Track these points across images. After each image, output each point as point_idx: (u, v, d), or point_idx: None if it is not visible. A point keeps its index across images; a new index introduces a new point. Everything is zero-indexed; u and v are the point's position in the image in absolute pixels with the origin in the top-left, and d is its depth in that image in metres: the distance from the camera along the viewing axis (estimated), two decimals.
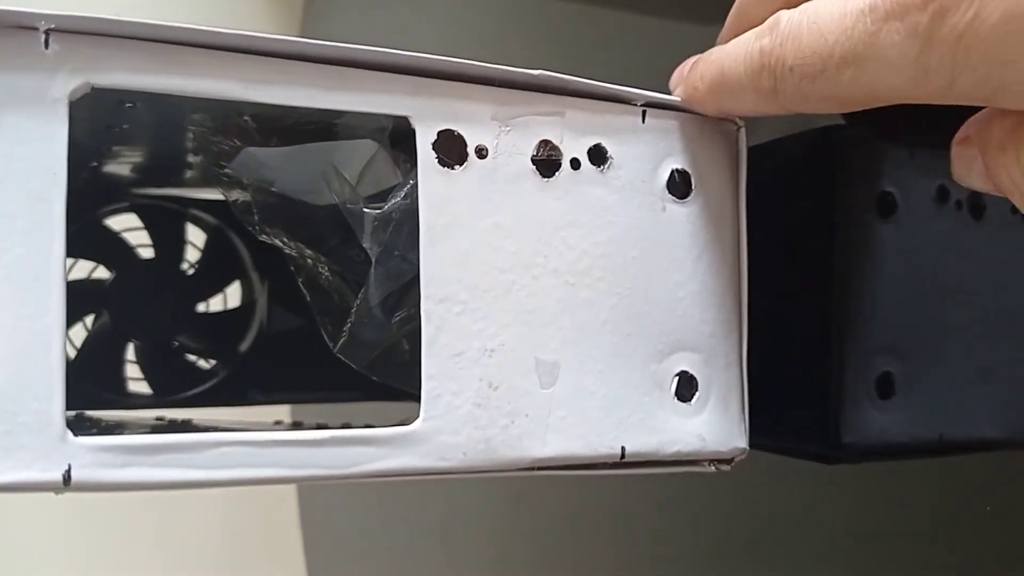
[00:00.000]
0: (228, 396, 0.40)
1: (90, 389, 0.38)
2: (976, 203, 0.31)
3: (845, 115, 0.30)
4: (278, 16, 1.01)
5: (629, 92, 0.26)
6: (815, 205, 0.29)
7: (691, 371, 0.26)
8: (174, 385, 0.39)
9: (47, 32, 0.20)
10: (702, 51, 0.27)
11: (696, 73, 0.26)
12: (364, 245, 0.24)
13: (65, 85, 0.20)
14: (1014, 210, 0.32)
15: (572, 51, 0.56)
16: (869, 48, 0.20)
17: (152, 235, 0.40)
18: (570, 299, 0.25)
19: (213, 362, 0.40)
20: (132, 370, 0.39)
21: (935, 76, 0.20)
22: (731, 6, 0.27)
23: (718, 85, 0.25)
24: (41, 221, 0.20)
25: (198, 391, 0.40)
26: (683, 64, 0.27)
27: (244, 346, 0.41)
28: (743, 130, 0.27)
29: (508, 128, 0.25)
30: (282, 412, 0.63)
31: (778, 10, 0.23)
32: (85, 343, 0.38)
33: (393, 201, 0.25)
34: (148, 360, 0.39)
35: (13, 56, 0.20)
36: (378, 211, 0.24)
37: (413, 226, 0.24)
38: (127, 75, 0.21)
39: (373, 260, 0.24)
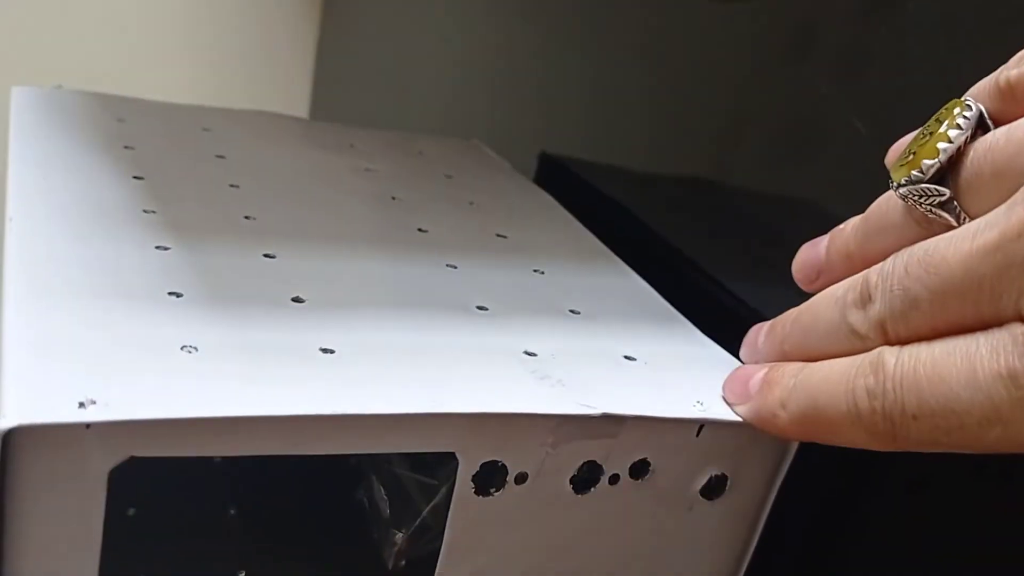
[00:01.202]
0: None
1: None
2: None
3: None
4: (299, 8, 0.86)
5: (688, 416, 0.25)
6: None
7: None
8: None
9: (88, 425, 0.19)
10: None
11: (774, 399, 0.24)
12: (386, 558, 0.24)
13: (105, 463, 0.19)
14: None
15: (591, 37, 0.49)
16: (1018, 411, 0.20)
17: None
18: None
19: None
20: None
21: None
22: None
23: (811, 419, 0.24)
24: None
25: None
26: (735, 374, 0.26)
27: None
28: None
29: (555, 452, 0.24)
30: None
31: (865, 273, 0.23)
32: None
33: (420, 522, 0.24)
34: None
35: (55, 445, 0.19)
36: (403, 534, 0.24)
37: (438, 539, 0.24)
38: (170, 447, 0.20)
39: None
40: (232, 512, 0.29)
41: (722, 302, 0.35)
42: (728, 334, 0.33)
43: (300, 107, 0.91)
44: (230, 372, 0.21)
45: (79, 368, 0.20)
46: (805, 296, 0.29)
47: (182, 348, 0.22)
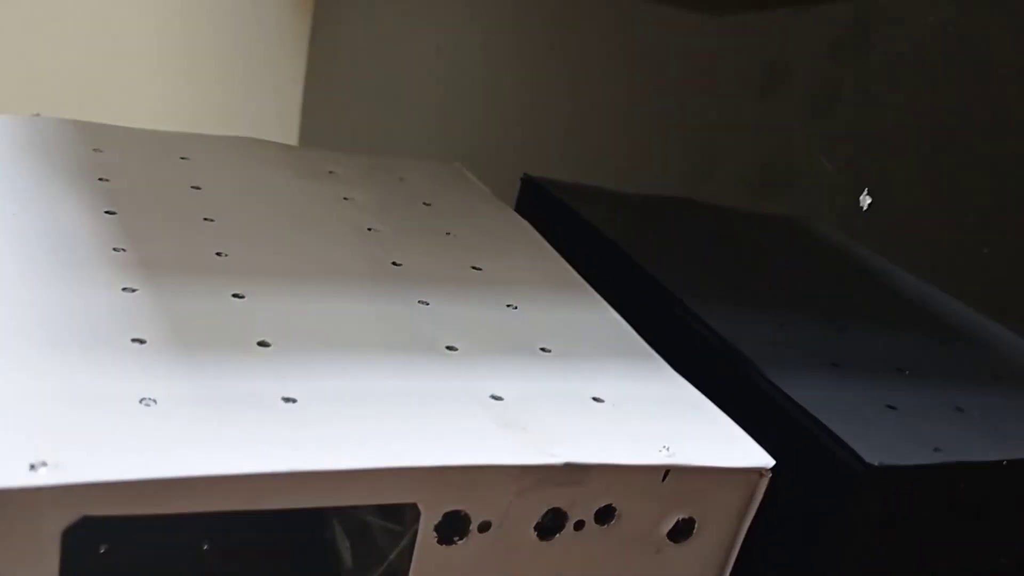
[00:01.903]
0: None
1: None
2: None
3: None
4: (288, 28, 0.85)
5: (653, 463, 0.24)
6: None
7: None
8: None
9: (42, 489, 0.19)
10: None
11: None
12: None
13: (57, 524, 0.19)
14: None
15: (577, 39, 0.49)
16: None
17: None
18: None
19: None
20: None
21: None
22: None
23: None
24: None
25: None
26: None
27: None
28: (766, 479, 0.26)
29: (518, 500, 0.24)
30: None
31: None
32: None
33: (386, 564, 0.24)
34: None
35: (7, 506, 0.19)
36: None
37: None
38: (124, 507, 0.20)
39: None
40: (205, 547, 0.29)
41: (695, 331, 0.35)
42: (699, 363, 0.33)
43: (291, 127, 0.91)
44: (188, 428, 0.21)
45: (31, 427, 0.20)
46: (780, 328, 0.29)
47: (140, 401, 0.22)
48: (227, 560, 0.28)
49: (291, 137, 0.91)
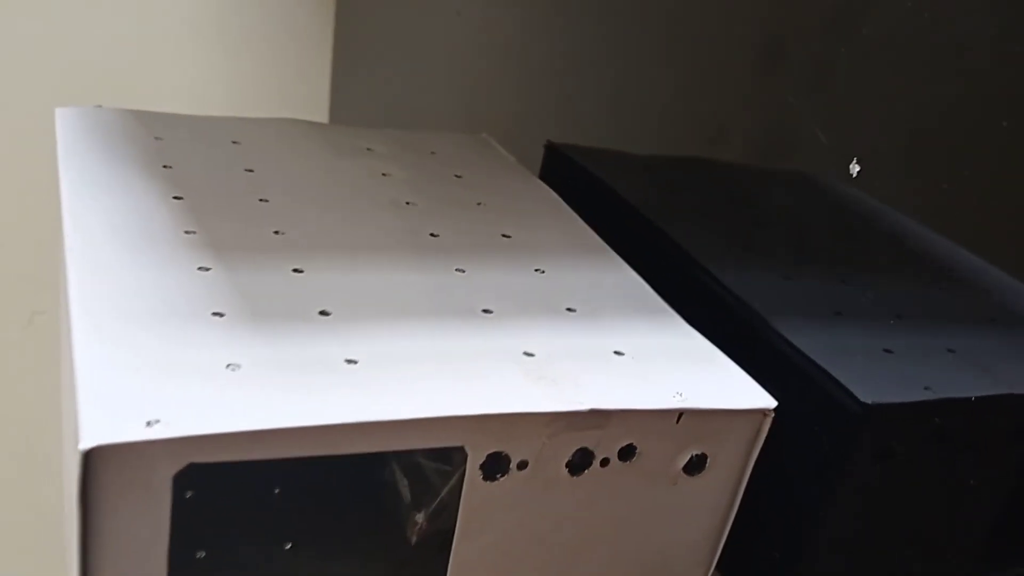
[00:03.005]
0: None
1: None
2: None
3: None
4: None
5: (668, 407, 0.28)
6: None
7: None
8: None
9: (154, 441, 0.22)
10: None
11: None
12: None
13: (168, 470, 0.23)
14: None
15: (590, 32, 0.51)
16: None
17: None
18: (576, 561, 0.29)
19: None
20: None
21: None
22: None
23: None
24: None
25: None
26: None
27: None
28: (769, 419, 0.30)
29: (551, 442, 0.27)
30: None
31: None
32: None
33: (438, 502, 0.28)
34: None
35: (127, 459, 0.22)
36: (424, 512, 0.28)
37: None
38: (221, 454, 0.23)
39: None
40: (276, 490, 0.33)
41: (708, 287, 0.38)
42: (713, 316, 0.36)
43: (321, 100, 0.94)
44: (269, 387, 0.25)
45: (143, 389, 0.24)
46: (787, 280, 0.32)
47: (227, 366, 0.26)
48: (301, 502, 0.32)
49: (322, 102, 0.94)
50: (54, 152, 0.38)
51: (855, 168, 0.31)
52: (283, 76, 0.94)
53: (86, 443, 0.22)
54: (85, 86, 0.84)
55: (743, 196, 0.49)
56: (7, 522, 0.91)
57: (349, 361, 0.27)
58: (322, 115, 0.94)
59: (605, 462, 0.28)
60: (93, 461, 0.22)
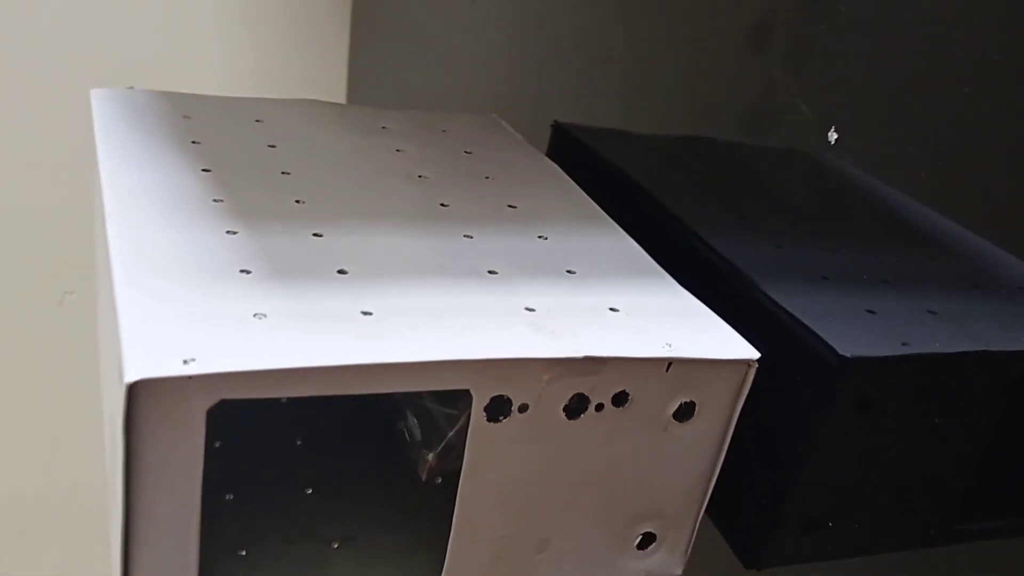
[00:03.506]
0: None
1: None
2: None
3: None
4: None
5: (658, 356, 0.30)
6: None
7: (654, 531, 0.34)
8: None
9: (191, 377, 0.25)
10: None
11: None
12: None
13: (203, 405, 0.26)
14: None
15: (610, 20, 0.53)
16: None
17: None
18: (573, 499, 0.32)
19: None
20: None
21: None
22: None
23: None
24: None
25: None
26: None
27: None
28: (753, 369, 0.32)
29: (549, 387, 0.30)
30: None
31: None
32: None
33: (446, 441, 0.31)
34: None
35: (167, 393, 0.25)
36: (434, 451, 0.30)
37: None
38: (251, 392, 0.26)
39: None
40: (298, 442, 0.36)
41: (703, 254, 0.40)
42: (708, 281, 0.39)
43: (339, 83, 0.97)
44: (293, 333, 0.27)
45: (180, 333, 0.27)
46: (779, 248, 0.34)
47: (254, 315, 0.28)
48: (321, 448, 0.34)
49: (340, 85, 0.97)
50: (84, 137, 0.41)
51: (833, 136, 0.34)
52: (303, 61, 0.97)
53: (130, 377, 0.24)
54: (114, 71, 0.87)
55: (741, 172, 0.52)
56: (40, 491, 0.95)
57: (365, 312, 0.29)
58: (340, 97, 0.97)
59: (600, 407, 0.31)
60: (136, 393, 0.25)
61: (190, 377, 0.25)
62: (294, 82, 0.95)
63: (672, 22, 0.46)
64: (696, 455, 0.33)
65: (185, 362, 0.25)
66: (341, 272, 0.32)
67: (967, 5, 0.30)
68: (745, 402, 0.33)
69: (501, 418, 0.30)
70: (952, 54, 0.31)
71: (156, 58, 0.90)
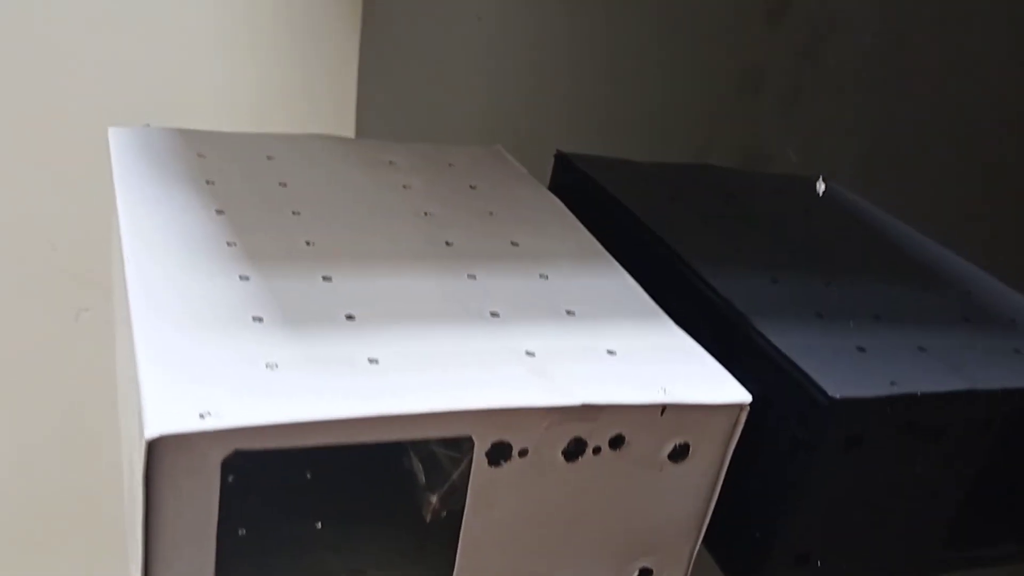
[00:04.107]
0: None
1: None
2: None
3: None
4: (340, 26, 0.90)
5: (653, 402, 0.32)
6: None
7: (651, 567, 0.36)
8: None
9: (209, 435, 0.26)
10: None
11: None
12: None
13: (218, 456, 0.27)
14: None
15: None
16: None
17: None
18: (572, 537, 0.33)
19: None
20: None
21: None
22: None
23: None
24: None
25: None
26: None
27: None
28: (745, 411, 0.33)
29: (548, 432, 0.31)
30: None
31: None
32: None
33: (448, 485, 0.32)
34: None
35: (185, 446, 0.26)
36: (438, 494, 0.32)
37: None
38: (262, 443, 0.27)
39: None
40: (308, 476, 0.37)
41: (700, 291, 0.42)
42: (704, 317, 0.40)
43: (348, 106, 0.98)
44: (303, 385, 0.29)
45: (196, 385, 0.28)
46: (774, 283, 0.35)
47: (267, 365, 0.30)
48: (329, 486, 0.36)
49: (349, 110, 0.98)
50: (101, 160, 0.42)
51: (820, 187, 0.35)
52: (313, 83, 0.98)
53: (150, 433, 0.26)
54: (128, 97, 0.88)
55: (741, 201, 0.53)
56: (54, 509, 0.97)
57: (372, 360, 0.31)
58: (349, 121, 0.98)
59: (597, 450, 0.32)
60: (156, 448, 0.26)
61: (206, 432, 0.26)
62: (305, 110, 0.97)
63: (672, 67, 0.47)
64: (691, 494, 0.34)
65: (201, 416, 0.27)
66: (349, 317, 0.33)
67: (950, 64, 0.32)
68: (739, 438, 0.34)
69: (502, 462, 0.31)
70: (937, 106, 0.32)
71: (172, 94, 0.91)
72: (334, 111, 0.97)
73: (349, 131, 0.97)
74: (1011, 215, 0.38)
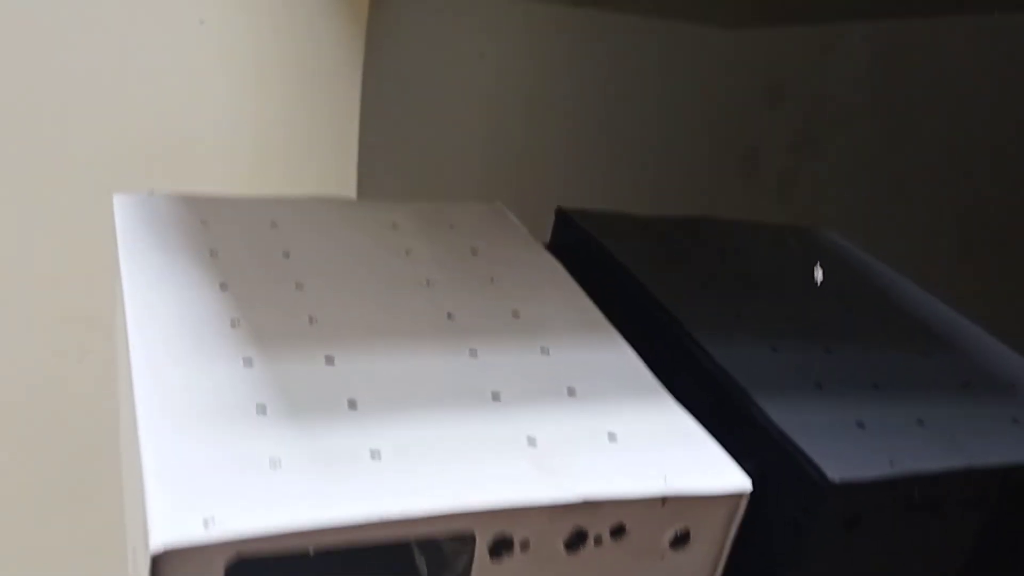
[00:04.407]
0: None
1: None
2: None
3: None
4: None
5: (654, 494, 0.32)
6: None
7: None
8: None
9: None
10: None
11: None
12: None
13: (221, 562, 0.27)
14: None
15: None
16: None
17: None
18: None
19: None
20: None
21: None
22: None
23: None
24: None
25: None
26: None
27: None
28: (745, 499, 0.34)
29: (550, 525, 0.31)
30: None
31: None
32: None
33: None
34: None
35: (190, 555, 0.27)
36: None
37: None
38: (266, 549, 0.28)
39: None
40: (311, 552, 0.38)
41: (699, 360, 0.42)
42: (702, 387, 0.40)
43: (350, 150, 0.98)
44: (306, 486, 0.29)
45: (200, 489, 0.28)
46: (774, 352, 0.36)
47: (269, 462, 0.30)
48: (340, 559, 0.36)
49: (351, 144, 0.98)
50: (105, 200, 0.43)
51: (819, 274, 0.35)
52: (313, 129, 0.98)
53: (156, 547, 0.26)
54: (131, 139, 0.89)
55: (742, 258, 0.53)
56: (57, 551, 0.97)
57: (374, 453, 0.31)
58: (350, 178, 0.98)
59: (598, 540, 0.32)
60: (161, 560, 0.26)
61: (210, 543, 0.27)
62: (303, 133, 0.97)
63: (672, 145, 0.47)
64: None
65: (205, 523, 0.27)
66: (351, 405, 0.33)
67: (951, 139, 0.32)
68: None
69: (504, 554, 0.31)
70: (932, 199, 0.32)
71: (175, 151, 0.91)
72: (335, 162, 0.97)
73: (351, 183, 0.98)
74: (1017, 292, 0.39)
